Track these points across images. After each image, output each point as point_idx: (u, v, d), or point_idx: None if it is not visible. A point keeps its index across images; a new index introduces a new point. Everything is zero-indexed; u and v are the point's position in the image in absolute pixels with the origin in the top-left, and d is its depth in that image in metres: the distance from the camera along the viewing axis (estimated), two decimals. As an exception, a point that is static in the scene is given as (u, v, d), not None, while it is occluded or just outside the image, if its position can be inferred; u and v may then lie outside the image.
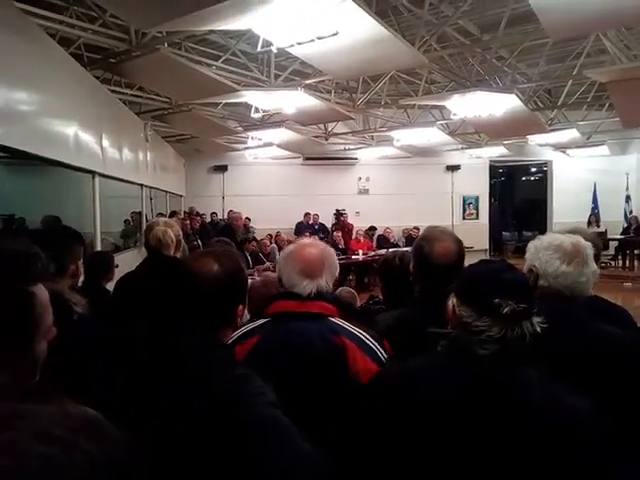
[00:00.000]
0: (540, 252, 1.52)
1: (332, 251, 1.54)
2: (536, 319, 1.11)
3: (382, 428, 1.14)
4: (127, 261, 4.67)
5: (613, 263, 12.23)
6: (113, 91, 7.03)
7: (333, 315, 1.43)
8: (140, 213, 7.91)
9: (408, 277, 1.86)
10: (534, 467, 1.03)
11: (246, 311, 1.58)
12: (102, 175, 5.57)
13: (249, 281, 1.54)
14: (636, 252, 11.85)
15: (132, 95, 7.95)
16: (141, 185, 7.73)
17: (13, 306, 0.69)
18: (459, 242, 1.72)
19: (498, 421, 1.06)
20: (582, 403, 1.09)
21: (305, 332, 1.38)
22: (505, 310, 1.07)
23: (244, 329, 1.46)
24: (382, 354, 1.38)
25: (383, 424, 1.14)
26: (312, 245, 1.51)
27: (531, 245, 1.58)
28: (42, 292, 0.76)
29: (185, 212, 11.10)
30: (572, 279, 1.46)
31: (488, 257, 11.21)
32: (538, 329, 1.10)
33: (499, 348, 1.09)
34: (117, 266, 3.81)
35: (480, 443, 1.05)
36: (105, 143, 5.77)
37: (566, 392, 1.11)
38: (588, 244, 1.51)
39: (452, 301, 1.20)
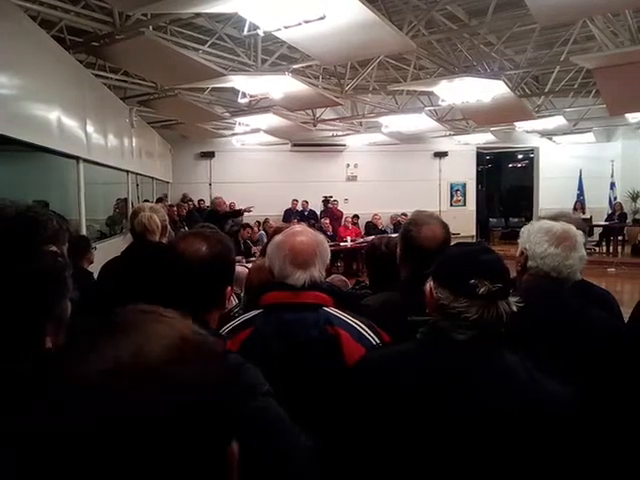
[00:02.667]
0: (532, 235, 1.57)
1: (323, 238, 1.50)
2: (512, 299, 1.12)
3: (362, 416, 1.14)
4: (113, 248, 4.63)
5: (597, 249, 12.39)
6: (97, 75, 6.90)
7: (328, 305, 1.42)
8: (126, 200, 7.83)
9: (394, 263, 1.87)
10: (515, 454, 1.04)
11: (233, 295, 1.58)
12: (86, 161, 5.49)
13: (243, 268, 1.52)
14: (620, 238, 12.02)
15: (117, 80, 7.82)
16: (127, 171, 7.64)
17: (43, 266, 0.66)
18: (445, 226, 1.73)
19: (478, 408, 1.06)
20: (564, 390, 1.10)
21: (300, 323, 1.36)
22: (481, 290, 1.08)
23: (236, 321, 1.44)
24: (377, 344, 1.37)
25: (362, 412, 1.14)
26: (302, 233, 1.46)
27: (524, 229, 1.64)
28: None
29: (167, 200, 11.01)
30: (559, 261, 1.50)
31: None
32: (514, 308, 1.11)
33: (477, 333, 1.09)
34: (95, 248, 3.86)
35: (461, 430, 1.05)
36: (89, 128, 5.68)
37: (547, 378, 1.11)
38: (579, 232, 1.56)
39: (429, 284, 1.21)
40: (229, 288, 1.27)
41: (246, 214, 10.61)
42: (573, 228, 1.55)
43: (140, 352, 0.42)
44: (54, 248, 0.68)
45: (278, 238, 1.47)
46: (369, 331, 1.39)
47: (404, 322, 1.34)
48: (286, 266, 1.40)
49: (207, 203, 12.13)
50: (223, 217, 9.94)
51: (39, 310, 0.65)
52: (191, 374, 0.44)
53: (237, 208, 10.71)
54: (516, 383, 1.09)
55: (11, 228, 0.64)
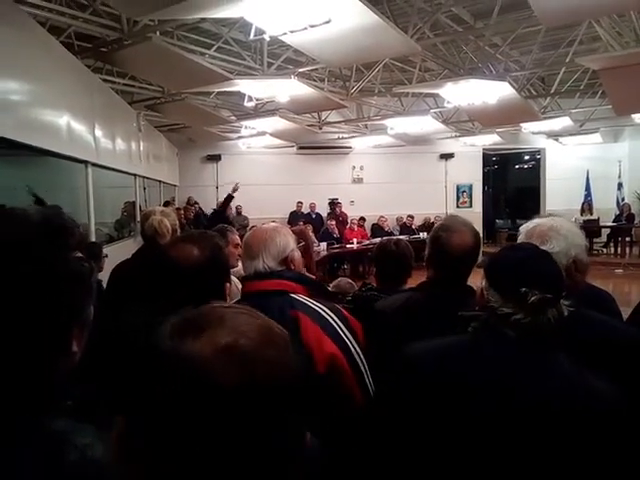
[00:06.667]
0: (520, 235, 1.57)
1: (275, 233, 1.57)
2: (564, 302, 1.12)
3: (407, 408, 1.15)
4: (121, 251, 4.68)
5: (605, 250, 12.33)
6: (105, 80, 6.97)
7: (295, 292, 1.49)
8: (134, 203, 7.89)
9: (403, 261, 1.88)
10: (564, 450, 1.04)
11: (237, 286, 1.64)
12: (95, 165, 5.55)
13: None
14: (627, 239, 11.96)
15: (124, 84, 7.89)
16: (134, 175, 7.70)
17: (73, 272, 0.68)
18: (477, 234, 1.74)
19: (530, 404, 1.06)
20: (612, 389, 1.10)
21: (265, 308, 1.40)
22: (531, 300, 1.09)
23: None
24: (338, 325, 1.43)
25: (408, 404, 1.15)
26: (259, 229, 1.60)
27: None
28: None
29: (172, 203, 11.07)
30: None
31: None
32: (565, 312, 1.12)
33: (528, 330, 1.10)
34: (106, 256, 3.81)
35: (510, 426, 1.05)
36: (98, 133, 5.74)
37: (595, 377, 1.11)
38: (566, 227, 1.48)
39: (481, 283, 1.22)
40: (227, 285, 1.34)
41: (250, 217, 10.62)
42: (553, 224, 1.49)
43: (240, 337, 0.52)
44: (79, 254, 0.71)
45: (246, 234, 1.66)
46: (332, 314, 1.46)
47: (423, 322, 1.36)
48: (244, 257, 1.57)
49: (213, 206, 12.18)
50: (223, 212, 9.99)
51: (69, 315, 0.68)
52: (276, 355, 0.54)
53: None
54: (567, 379, 1.09)
55: (40, 234, 0.67)
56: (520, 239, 1.51)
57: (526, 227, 1.54)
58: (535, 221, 1.54)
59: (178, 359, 0.50)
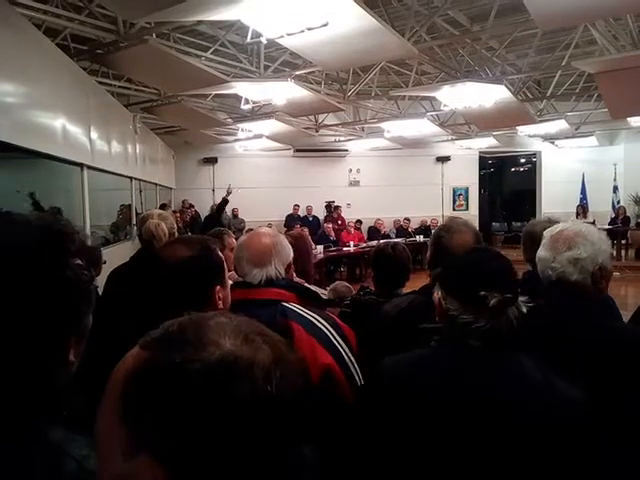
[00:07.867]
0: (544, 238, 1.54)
1: (281, 238, 1.56)
2: (521, 299, 1.10)
3: (378, 423, 1.14)
4: (117, 255, 4.65)
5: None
6: (101, 83, 6.95)
7: (287, 300, 1.46)
8: (130, 206, 7.85)
9: (400, 265, 1.87)
10: (532, 455, 1.03)
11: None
12: (91, 167, 5.52)
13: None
14: (623, 242, 11.99)
15: (120, 87, 7.87)
16: (130, 177, 7.67)
17: (76, 282, 0.67)
18: (478, 235, 1.74)
19: (494, 411, 1.05)
20: (576, 392, 1.09)
21: (257, 318, 1.38)
22: (492, 302, 1.06)
23: None
24: (332, 334, 1.41)
25: (380, 419, 1.14)
26: (262, 234, 1.56)
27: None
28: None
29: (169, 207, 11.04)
30: (545, 265, 1.45)
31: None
32: (524, 309, 1.10)
33: (490, 338, 1.08)
34: (105, 262, 3.76)
35: (475, 434, 1.04)
36: (93, 135, 5.71)
37: (560, 380, 1.10)
38: (591, 230, 1.45)
39: (438, 293, 1.19)
40: (218, 287, 1.30)
41: (247, 220, 10.55)
42: (580, 229, 1.45)
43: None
44: (79, 261, 0.69)
45: (241, 238, 1.60)
46: (325, 323, 1.43)
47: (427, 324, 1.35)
48: (244, 264, 1.50)
49: (209, 208, 12.16)
50: (218, 215, 9.96)
51: (67, 324, 0.66)
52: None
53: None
54: (533, 386, 1.08)
55: (39, 241, 0.65)
56: (544, 243, 1.49)
57: (551, 231, 1.51)
58: (560, 225, 1.52)
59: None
